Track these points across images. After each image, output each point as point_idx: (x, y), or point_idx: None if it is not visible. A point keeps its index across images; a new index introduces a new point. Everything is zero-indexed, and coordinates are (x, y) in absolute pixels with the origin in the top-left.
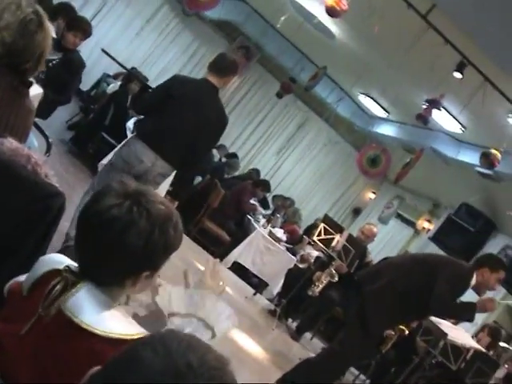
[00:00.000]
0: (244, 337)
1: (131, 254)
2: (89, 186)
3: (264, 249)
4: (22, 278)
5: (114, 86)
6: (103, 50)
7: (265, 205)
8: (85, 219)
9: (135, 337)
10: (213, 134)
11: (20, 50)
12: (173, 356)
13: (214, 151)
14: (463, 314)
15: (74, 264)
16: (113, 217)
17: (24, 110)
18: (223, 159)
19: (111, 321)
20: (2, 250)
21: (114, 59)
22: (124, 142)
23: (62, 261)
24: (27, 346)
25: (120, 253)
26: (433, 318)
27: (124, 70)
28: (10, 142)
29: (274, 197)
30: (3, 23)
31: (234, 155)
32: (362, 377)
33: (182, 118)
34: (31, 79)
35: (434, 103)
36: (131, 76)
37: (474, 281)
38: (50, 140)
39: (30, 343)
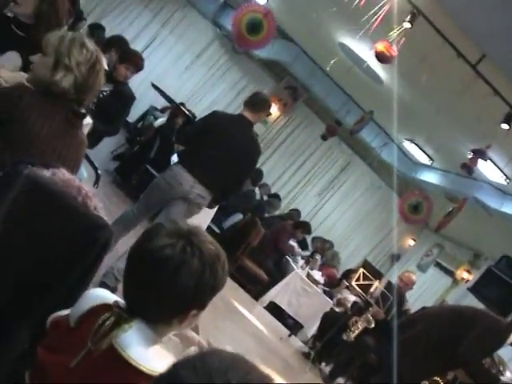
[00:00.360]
0: (277, 378)
1: (182, 293)
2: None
3: (301, 290)
4: (65, 312)
5: (161, 120)
6: (153, 85)
7: (304, 246)
8: (137, 257)
9: None
10: (246, 163)
11: (89, 88)
12: (212, 375)
13: (256, 189)
14: (484, 376)
15: (121, 300)
16: (166, 256)
17: (77, 142)
18: (265, 197)
19: (156, 359)
20: (47, 280)
21: (163, 94)
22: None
23: (109, 296)
24: (75, 377)
25: (171, 292)
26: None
27: (171, 104)
28: (63, 173)
29: (314, 238)
30: (73, 63)
31: (275, 195)
32: None
33: (218, 148)
34: (84, 111)
35: (480, 153)
36: (178, 110)
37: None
38: (99, 172)
39: (77, 375)
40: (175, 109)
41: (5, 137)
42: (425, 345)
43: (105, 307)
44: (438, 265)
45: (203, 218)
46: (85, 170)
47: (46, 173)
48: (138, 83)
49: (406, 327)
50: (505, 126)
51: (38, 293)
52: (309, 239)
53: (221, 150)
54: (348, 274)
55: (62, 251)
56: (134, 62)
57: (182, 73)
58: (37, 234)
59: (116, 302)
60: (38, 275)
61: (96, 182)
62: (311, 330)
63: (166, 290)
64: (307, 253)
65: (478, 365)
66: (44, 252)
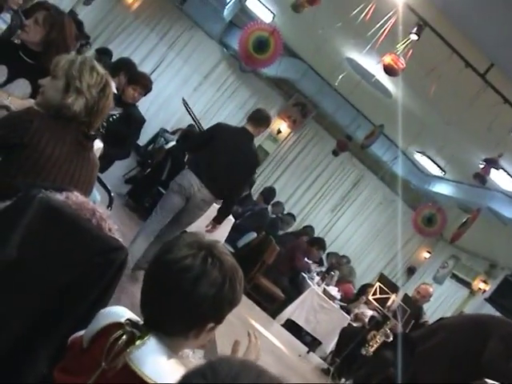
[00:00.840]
0: None
1: (201, 304)
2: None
3: (318, 307)
4: (82, 332)
5: (172, 143)
6: (184, 100)
7: (319, 262)
8: (157, 268)
9: None
10: (245, 171)
11: (99, 111)
12: (223, 382)
13: (270, 208)
14: None
15: (134, 316)
16: (187, 266)
17: (89, 164)
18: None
19: (171, 375)
20: (64, 303)
21: (190, 111)
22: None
23: (121, 313)
24: None
25: (190, 302)
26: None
27: (181, 127)
28: (76, 196)
29: (329, 254)
30: (85, 85)
31: (289, 214)
32: None
33: (221, 156)
34: (93, 133)
35: (492, 163)
36: (189, 133)
37: None
38: (112, 194)
39: None
40: (186, 131)
41: (16, 162)
42: (443, 356)
43: (117, 326)
44: (455, 276)
45: (218, 237)
46: (98, 193)
47: (60, 196)
48: (147, 106)
49: (425, 339)
50: None
51: (54, 317)
52: (324, 255)
53: (223, 157)
54: (365, 289)
55: (77, 274)
56: (142, 83)
57: (191, 94)
58: (52, 258)
59: (128, 319)
60: (55, 300)
61: (109, 205)
62: (329, 346)
63: (185, 299)
64: (323, 269)
65: (504, 372)
66: (60, 276)
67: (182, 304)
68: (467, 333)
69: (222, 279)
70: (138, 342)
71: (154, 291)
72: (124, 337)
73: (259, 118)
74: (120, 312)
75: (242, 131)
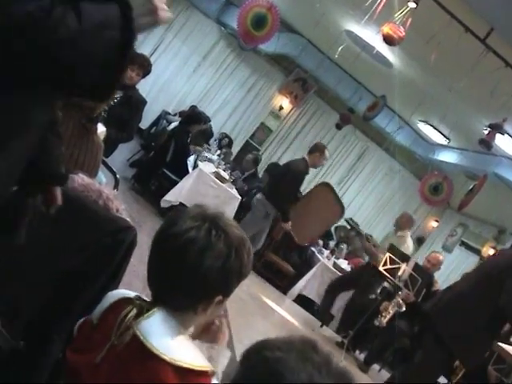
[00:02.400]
0: None
1: (207, 276)
2: None
3: (329, 280)
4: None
5: (175, 124)
6: None
7: (328, 236)
8: (162, 241)
9: (201, 369)
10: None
11: None
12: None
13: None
14: None
15: (142, 296)
16: (192, 238)
17: (93, 146)
18: None
19: (180, 349)
20: (74, 285)
21: None
22: None
23: (129, 292)
24: (102, 373)
25: (196, 276)
26: (505, 346)
27: (183, 109)
28: (82, 178)
29: (337, 228)
30: None
31: None
32: None
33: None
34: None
35: (497, 128)
36: (192, 114)
37: None
38: (117, 176)
39: (104, 370)
40: (190, 112)
41: None
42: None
43: (126, 301)
44: (464, 244)
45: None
46: (103, 176)
47: None
48: (147, 89)
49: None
50: None
51: (65, 301)
52: (332, 229)
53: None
54: None
55: (87, 256)
56: (139, 63)
57: (191, 75)
58: (60, 241)
59: (137, 295)
60: (65, 283)
61: (116, 186)
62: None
63: (191, 273)
64: (332, 243)
65: None
66: (69, 259)
67: (188, 277)
68: (482, 283)
69: (227, 251)
70: (146, 314)
71: (160, 264)
72: (134, 311)
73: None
74: (128, 292)
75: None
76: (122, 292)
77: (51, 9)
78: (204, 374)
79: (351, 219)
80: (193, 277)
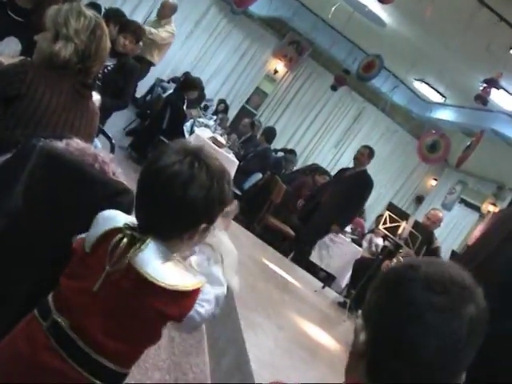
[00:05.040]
0: (316, 329)
1: (192, 206)
2: None
3: (329, 241)
4: (85, 234)
5: (170, 91)
6: None
7: None
8: (148, 176)
9: (193, 287)
10: None
11: (92, 54)
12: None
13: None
14: None
15: (131, 219)
16: (176, 172)
17: (89, 112)
18: (279, 153)
19: (172, 274)
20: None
21: None
22: None
23: (119, 218)
24: (98, 301)
25: (182, 205)
26: None
27: (177, 75)
28: (77, 143)
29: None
30: (71, 31)
31: (291, 151)
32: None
33: None
34: (90, 80)
35: (492, 82)
36: (187, 80)
37: None
38: (113, 141)
39: (100, 299)
40: (184, 79)
41: (14, 114)
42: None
43: (117, 230)
44: (463, 201)
45: None
46: (99, 142)
47: (60, 144)
48: None
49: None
50: None
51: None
52: None
53: None
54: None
55: (85, 220)
56: (131, 30)
57: (184, 42)
58: (58, 205)
59: (126, 224)
60: (63, 247)
61: (112, 150)
62: (344, 280)
63: (177, 204)
64: None
65: None
66: (67, 223)
67: (174, 209)
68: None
69: (209, 181)
70: (139, 245)
71: (147, 198)
72: (125, 240)
73: None
74: (119, 216)
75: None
76: (112, 219)
77: None
78: (197, 291)
79: None
80: (179, 208)
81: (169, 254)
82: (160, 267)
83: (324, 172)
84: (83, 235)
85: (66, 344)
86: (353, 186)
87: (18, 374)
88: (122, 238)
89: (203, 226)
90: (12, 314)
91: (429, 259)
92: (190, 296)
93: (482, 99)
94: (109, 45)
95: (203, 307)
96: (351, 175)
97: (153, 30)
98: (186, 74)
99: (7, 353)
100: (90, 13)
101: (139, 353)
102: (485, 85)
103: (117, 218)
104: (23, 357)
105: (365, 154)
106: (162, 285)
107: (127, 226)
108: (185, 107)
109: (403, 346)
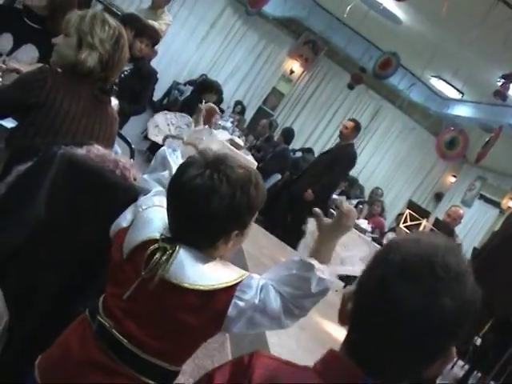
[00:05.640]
0: (338, 329)
1: (217, 216)
2: None
3: (350, 241)
4: (124, 223)
5: (187, 94)
6: None
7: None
8: (173, 190)
9: (238, 280)
10: None
11: (115, 64)
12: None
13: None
14: None
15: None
16: (196, 186)
17: (108, 118)
18: (297, 153)
19: (213, 273)
20: (97, 257)
21: None
22: None
23: (156, 222)
24: (135, 307)
25: (207, 217)
26: None
27: (193, 78)
28: (97, 149)
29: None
30: (97, 40)
31: (309, 150)
32: (461, 362)
33: None
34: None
35: (511, 78)
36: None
37: None
38: (132, 146)
39: (136, 304)
40: (202, 81)
41: (34, 122)
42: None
43: (152, 242)
44: (483, 197)
45: None
46: (118, 147)
47: (81, 151)
48: (157, 60)
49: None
50: None
51: (88, 273)
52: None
53: None
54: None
55: (108, 227)
56: (148, 34)
57: (199, 44)
58: (81, 213)
59: (162, 234)
60: (87, 255)
61: (131, 156)
62: None
63: (202, 216)
64: (353, 202)
65: None
66: (91, 231)
67: (200, 220)
68: None
69: (232, 191)
70: (171, 255)
71: (175, 212)
72: (158, 253)
73: None
74: (155, 220)
75: None
76: (150, 222)
77: None
78: (235, 286)
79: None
80: (205, 220)
81: (206, 257)
82: (197, 270)
83: None
84: (123, 224)
85: (113, 345)
86: (334, 157)
87: (70, 372)
88: (157, 249)
89: (235, 232)
90: (38, 315)
91: (418, 238)
92: (227, 291)
93: (501, 95)
94: (127, 52)
95: (242, 300)
96: (335, 148)
97: (156, 25)
98: (203, 77)
99: (60, 351)
100: (113, 21)
101: (189, 351)
102: (503, 80)
103: (154, 222)
104: (75, 355)
105: (349, 128)
106: (199, 287)
107: (163, 238)
108: None
109: (373, 320)
